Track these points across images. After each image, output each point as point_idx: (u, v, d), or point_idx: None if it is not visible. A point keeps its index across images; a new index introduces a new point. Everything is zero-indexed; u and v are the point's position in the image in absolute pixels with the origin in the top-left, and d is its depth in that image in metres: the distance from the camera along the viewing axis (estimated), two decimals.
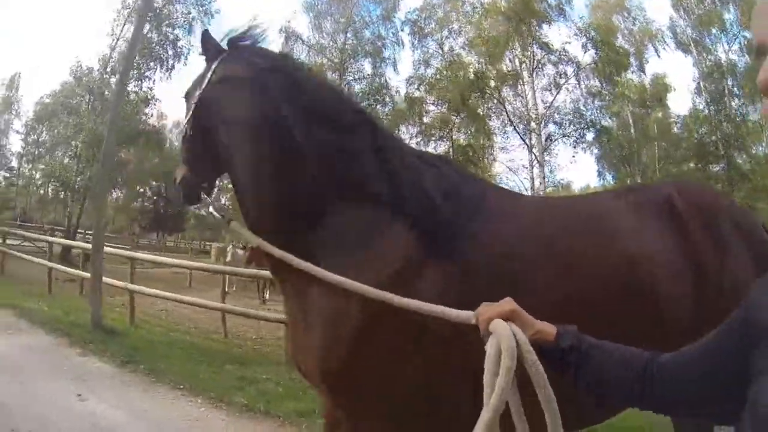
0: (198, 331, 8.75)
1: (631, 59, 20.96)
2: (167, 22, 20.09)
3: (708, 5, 20.10)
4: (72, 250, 16.25)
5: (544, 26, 20.40)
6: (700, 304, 1.61)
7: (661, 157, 22.68)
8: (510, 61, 20.91)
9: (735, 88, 19.60)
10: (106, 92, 19.54)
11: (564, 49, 20.25)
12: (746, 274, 1.56)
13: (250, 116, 1.72)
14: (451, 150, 20.68)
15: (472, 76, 20.08)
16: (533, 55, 20.35)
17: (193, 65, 22.33)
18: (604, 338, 1.06)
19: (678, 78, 36.76)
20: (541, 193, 19.09)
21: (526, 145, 20.33)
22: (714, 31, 19.91)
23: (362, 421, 1.60)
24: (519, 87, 20.79)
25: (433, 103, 21.88)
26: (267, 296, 13.85)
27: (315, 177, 1.64)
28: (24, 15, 68.58)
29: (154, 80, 20.94)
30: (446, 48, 21.74)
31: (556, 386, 1.01)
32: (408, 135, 21.82)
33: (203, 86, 1.85)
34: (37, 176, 31.02)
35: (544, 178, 19.81)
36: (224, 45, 1.92)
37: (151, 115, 23.42)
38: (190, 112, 1.88)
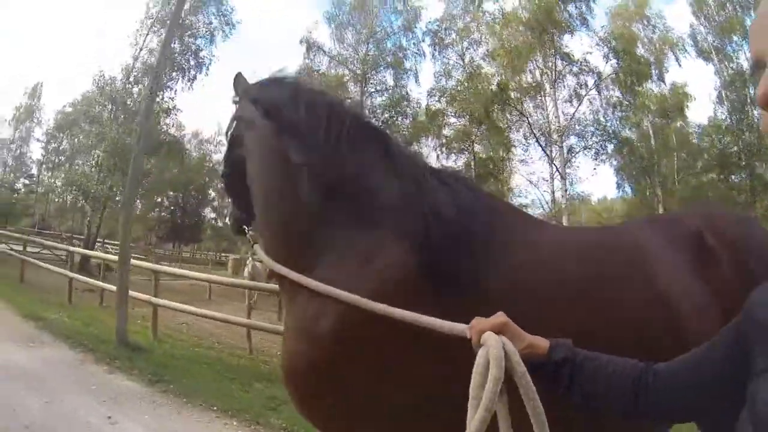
0: (222, 347, 8.45)
1: (652, 68, 20.55)
2: (189, 32, 20.10)
3: (729, 12, 19.70)
4: (91, 259, 16.01)
5: (566, 36, 20.15)
6: None
7: (680, 168, 22.30)
8: (531, 72, 20.69)
9: None
10: (129, 101, 19.55)
11: (585, 59, 19.98)
12: None
13: (254, 149, 1.85)
14: (472, 163, 20.35)
15: (495, 87, 19.77)
16: (555, 66, 20.05)
17: (215, 75, 22.38)
18: None
19: (698, 87, 36.15)
20: (563, 206, 18.75)
21: (548, 157, 19.99)
22: (735, 38, 19.50)
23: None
24: (539, 98, 20.52)
25: (454, 115, 21.66)
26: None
27: (313, 197, 1.62)
28: (24, 15, 69.22)
29: (176, 90, 20.99)
30: (467, 59, 21.58)
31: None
32: (429, 148, 21.69)
33: (231, 126, 2.04)
34: (58, 184, 31.12)
35: (566, 191, 19.39)
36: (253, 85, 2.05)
37: (172, 126, 23.49)
38: (224, 150, 2.09)
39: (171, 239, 37.56)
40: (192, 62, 21.33)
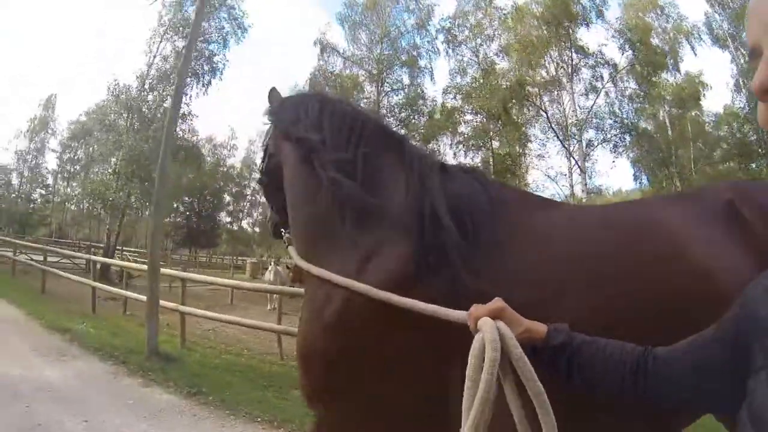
0: (251, 353, 8.18)
1: (667, 58, 20.08)
2: (202, 37, 19.88)
3: None
4: (111, 267, 15.83)
5: (582, 29, 19.76)
6: None
7: (697, 157, 21.85)
8: (546, 65, 20.32)
9: None
10: (144, 108, 19.39)
11: (601, 51, 19.61)
12: None
13: (286, 160, 1.98)
14: (491, 159, 20.03)
15: (513, 83, 19.39)
16: (571, 60, 19.65)
17: (228, 80, 22.41)
18: None
19: (713, 75, 35.42)
20: (584, 200, 18.34)
21: (567, 151, 19.62)
22: None
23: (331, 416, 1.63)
24: (555, 92, 20.17)
25: (470, 112, 21.33)
26: None
27: (333, 200, 1.70)
28: (24, 15, 69.81)
29: (191, 96, 20.73)
30: (481, 56, 21.19)
31: None
32: (445, 145, 21.52)
33: (267, 137, 2.22)
34: (77, 192, 31.23)
35: (585, 184, 18.99)
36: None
37: (188, 131, 23.31)
38: (262, 160, 2.27)
39: (187, 245, 37.50)
40: (206, 67, 21.16)
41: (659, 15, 20.77)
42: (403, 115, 21.67)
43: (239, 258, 39.88)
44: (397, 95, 22.49)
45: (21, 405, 4.35)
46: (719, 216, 1.51)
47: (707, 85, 20.87)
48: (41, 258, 14.37)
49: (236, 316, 8.81)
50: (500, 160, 20.59)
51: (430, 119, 21.77)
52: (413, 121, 21.59)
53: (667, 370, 0.94)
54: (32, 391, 4.73)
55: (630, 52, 19.37)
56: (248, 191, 43.73)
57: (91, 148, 31.31)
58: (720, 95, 36.88)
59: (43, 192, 41.33)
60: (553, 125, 19.67)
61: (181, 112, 20.07)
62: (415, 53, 22.70)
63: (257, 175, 2.51)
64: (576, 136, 19.59)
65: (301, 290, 9.24)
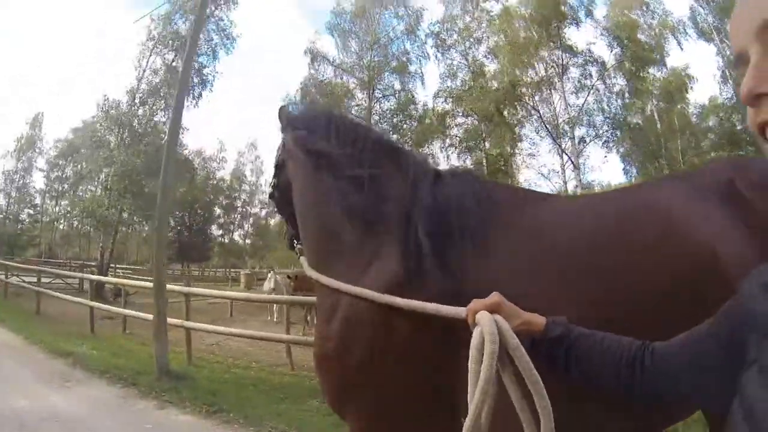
0: (259, 365, 7.85)
1: (654, 53, 20.19)
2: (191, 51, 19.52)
3: None
4: (105, 285, 15.34)
5: (571, 28, 19.81)
6: None
7: (684, 148, 22.00)
8: (535, 65, 20.26)
9: None
10: (135, 123, 18.96)
11: (590, 50, 19.67)
12: None
13: (295, 175, 2.05)
14: (484, 160, 19.91)
15: (506, 84, 19.29)
16: (562, 59, 19.63)
17: (218, 92, 22.20)
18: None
19: (698, 68, 35.81)
20: (578, 195, 18.28)
21: (561, 149, 19.57)
22: None
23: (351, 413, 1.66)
24: (544, 92, 20.13)
25: (461, 115, 21.20)
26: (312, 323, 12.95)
27: (338, 213, 1.80)
28: (24, 15, 68.88)
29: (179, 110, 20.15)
30: (470, 58, 21.09)
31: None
32: (437, 148, 21.40)
33: (278, 153, 2.25)
34: (72, 210, 30.49)
35: (580, 181, 18.99)
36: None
37: (180, 145, 22.78)
38: (273, 176, 2.29)
39: (179, 259, 36.72)
40: (196, 80, 20.72)
41: (645, 11, 20.89)
42: (395, 120, 21.58)
43: (232, 270, 39.35)
44: (388, 101, 22.44)
45: None
46: (720, 195, 1.46)
47: (693, 78, 21.14)
48: (34, 279, 13.91)
49: (241, 329, 8.50)
50: (493, 160, 20.50)
51: (421, 123, 21.66)
52: (405, 126, 21.52)
53: (665, 365, 0.93)
54: (39, 421, 4.33)
55: (618, 49, 19.49)
56: (239, 203, 43.28)
57: (79, 166, 30.70)
58: (705, 87, 37.53)
59: (31, 212, 40.43)
60: (546, 124, 19.66)
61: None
62: (404, 59, 22.62)
63: (269, 190, 2.40)
64: (568, 134, 19.61)
65: (303, 299, 8.97)
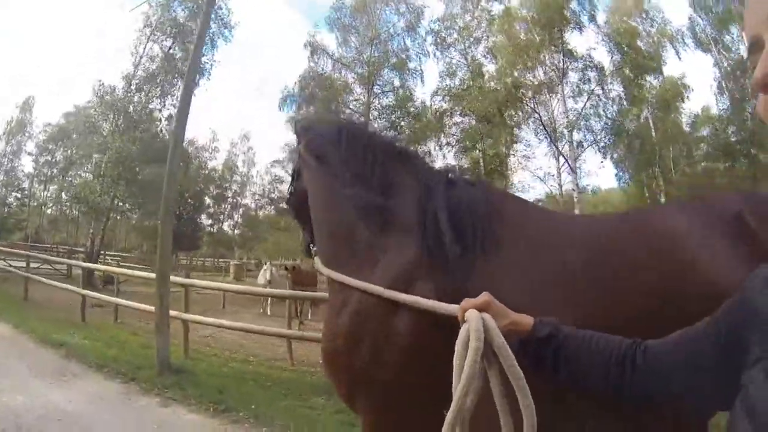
0: (257, 359, 7.62)
1: (653, 61, 20.21)
2: (189, 39, 19.04)
3: (726, 2, 19.37)
4: (95, 272, 14.87)
5: (574, 33, 19.73)
6: None
7: (676, 157, 22.12)
8: (530, 69, 20.11)
9: None
10: (131, 109, 18.44)
11: (590, 55, 19.62)
12: None
13: (310, 182, 2.10)
14: (481, 160, 19.78)
15: (509, 85, 19.19)
16: (563, 63, 19.51)
17: (215, 80, 21.80)
18: None
19: (693, 77, 36.19)
20: (575, 199, 18.31)
21: (559, 153, 19.51)
22: (734, 30, 19.26)
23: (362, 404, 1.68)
24: (543, 95, 19.99)
25: (459, 114, 21.02)
26: (309, 317, 12.69)
27: (351, 216, 1.83)
28: (24, 15, 67.66)
29: (177, 97, 19.69)
30: (469, 58, 20.94)
31: None
32: (434, 145, 21.19)
33: (295, 162, 2.36)
34: (61, 195, 29.67)
35: (577, 185, 18.90)
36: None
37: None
38: (290, 183, 2.40)
39: None
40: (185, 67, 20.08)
41: (644, 19, 20.92)
42: (393, 117, 21.40)
43: (220, 260, 38.78)
44: (387, 97, 22.22)
45: None
46: (726, 228, 1.46)
47: (689, 87, 21.21)
48: (21, 264, 13.48)
49: (245, 323, 8.23)
50: (489, 161, 20.39)
51: (419, 120, 21.45)
52: (403, 123, 21.32)
53: (658, 363, 0.91)
54: (37, 419, 4.00)
55: (618, 56, 19.46)
56: (229, 194, 42.68)
57: (69, 151, 29.91)
58: (700, 97, 37.95)
59: (19, 196, 39.42)
60: (546, 127, 19.55)
61: (168, 113, 19.32)
62: (404, 56, 22.39)
63: (286, 196, 2.48)
64: (567, 138, 19.53)
65: (306, 294, 8.76)
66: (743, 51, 18.78)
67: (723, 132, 19.93)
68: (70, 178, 26.39)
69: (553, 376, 1.04)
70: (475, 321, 1.04)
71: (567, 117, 19.45)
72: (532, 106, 19.73)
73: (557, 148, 19.42)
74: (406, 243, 1.67)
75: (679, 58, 20.69)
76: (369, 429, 1.68)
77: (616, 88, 20.15)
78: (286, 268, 13.14)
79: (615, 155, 21.78)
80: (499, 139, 20.27)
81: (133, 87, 19.73)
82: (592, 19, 19.78)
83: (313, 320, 12.32)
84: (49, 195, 40.22)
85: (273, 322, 11.17)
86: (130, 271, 11.70)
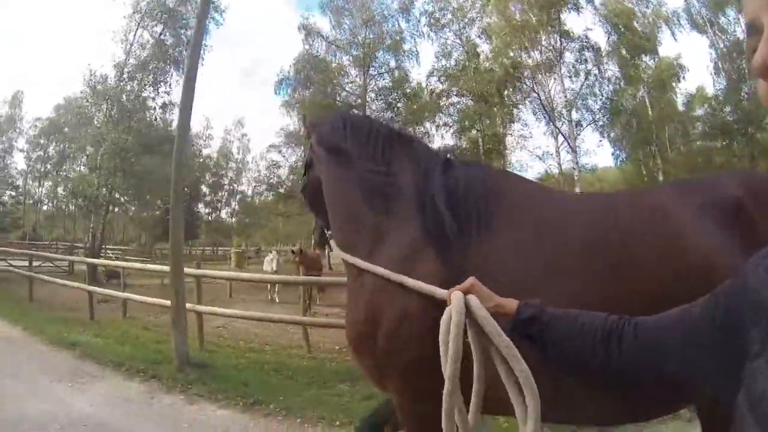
0: (273, 348, 7.40)
1: (648, 42, 19.99)
2: (180, 24, 18.44)
3: None
4: (98, 268, 14.56)
5: (571, 13, 19.45)
6: None
7: (672, 135, 22.03)
8: (532, 49, 19.78)
9: None
10: (124, 97, 17.88)
11: (586, 35, 19.37)
12: None
13: (323, 171, 2.16)
14: (480, 140, 19.53)
15: (508, 65, 18.89)
16: (561, 43, 19.27)
17: (209, 66, 21.27)
18: None
19: (688, 58, 36.09)
20: (576, 177, 18.18)
21: (559, 132, 19.35)
22: (730, 12, 19.14)
23: (390, 382, 1.71)
24: (540, 75, 19.73)
25: (456, 95, 20.70)
26: (317, 302, 12.49)
27: (359, 200, 1.91)
28: (24, 15, 65.65)
29: (170, 84, 19.25)
30: (464, 38, 20.62)
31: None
32: (432, 128, 20.98)
33: (307, 154, 2.42)
34: (57, 190, 29.03)
35: (577, 163, 18.79)
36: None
37: (171, 122, 21.76)
38: (303, 174, 2.44)
39: (165, 238, 35.50)
40: (186, 53, 19.49)
41: (640, 0, 20.57)
42: (390, 98, 21.12)
43: (219, 248, 38.37)
44: (383, 79, 21.85)
45: None
46: (723, 211, 1.48)
47: (685, 68, 21.17)
48: (23, 263, 13.01)
49: (261, 312, 8.23)
50: (487, 140, 20.21)
51: (415, 101, 21.15)
52: (400, 105, 21.04)
53: (654, 338, 0.89)
54: (64, 428, 3.75)
55: (615, 36, 19.29)
56: (225, 181, 42.03)
57: (62, 145, 29.18)
58: (696, 77, 37.92)
59: (13, 194, 38.64)
60: (545, 106, 19.37)
61: (162, 101, 18.78)
62: (398, 37, 21.94)
63: (300, 186, 2.53)
64: (565, 117, 19.34)
65: (317, 279, 8.58)
66: (740, 33, 18.73)
67: (720, 111, 19.88)
68: (64, 173, 25.75)
69: (542, 357, 1.04)
70: (458, 300, 1.09)
71: (565, 96, 19.31)
72: (530, 85, 19.57)
73: (556, 127, 19.29)
74: (406, 224, 1.75)
75: (675, 39, 20.56)
76: (403, 410, 1.69)
77: (612, 68, 20.09)
78: (292, 252, 12.85)
79: (612, 134, 21.78)
80: (496, 119, 20.01)
81: (125, 75, 19.15)
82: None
83: (322, 305, 12.11)
84: (44, 191, 39.45)
85: (282, 308, 11.03)
86: (140, 265, 11.40)
